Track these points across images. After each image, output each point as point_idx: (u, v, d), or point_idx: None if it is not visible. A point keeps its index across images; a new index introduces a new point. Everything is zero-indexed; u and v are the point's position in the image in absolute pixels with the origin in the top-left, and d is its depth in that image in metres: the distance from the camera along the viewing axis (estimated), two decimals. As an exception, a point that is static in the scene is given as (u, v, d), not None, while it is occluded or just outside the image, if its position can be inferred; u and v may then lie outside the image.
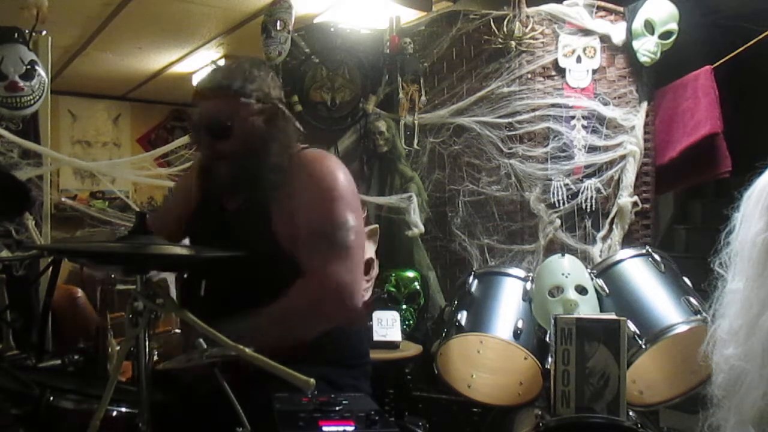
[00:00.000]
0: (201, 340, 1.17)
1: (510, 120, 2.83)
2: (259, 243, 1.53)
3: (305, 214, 1.53)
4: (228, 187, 1.62)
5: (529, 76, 2.84)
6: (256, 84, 1.59)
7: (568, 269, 2.27)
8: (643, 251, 2.36)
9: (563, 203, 2.77)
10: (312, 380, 1.07)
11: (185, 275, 1.72)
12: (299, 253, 1.52)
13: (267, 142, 1.59)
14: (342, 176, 1.58)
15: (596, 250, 2.74)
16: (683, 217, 4.70)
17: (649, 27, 2.72)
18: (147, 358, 1.18)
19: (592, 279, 2.30)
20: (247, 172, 1.58)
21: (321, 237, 1.50)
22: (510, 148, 2.83)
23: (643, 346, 2.03)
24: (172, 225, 1.79)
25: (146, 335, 1.16)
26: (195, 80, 5.04)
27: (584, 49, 2.81)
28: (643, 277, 2.27)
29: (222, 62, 4.65)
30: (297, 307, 1.47)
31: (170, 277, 2.12)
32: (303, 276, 1.50)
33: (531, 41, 2.83)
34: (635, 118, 2.79)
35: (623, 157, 2.77)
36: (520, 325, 2.23)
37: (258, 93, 1.59)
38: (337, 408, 1.19)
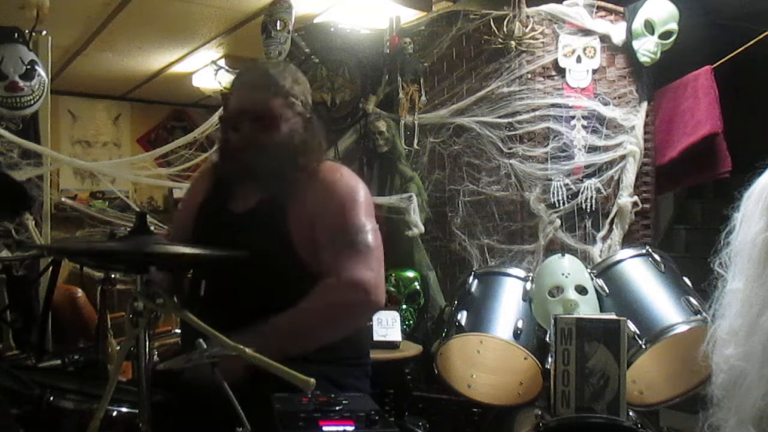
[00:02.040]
0: (201, 340, 1.17)
1: (510, 120, 2.82)
2: (269, 244, 1.53)
3: (324, 220, 1.57)
4: (252, 179, 1.64)
5: (529, 76, 2.83)
6: (300, 87, 1.68)
7: (568, 269, 2.27)
8: (643, 251, 2.36)
9: (563, 203, 2.77)
10: (312, 380, 1.08)
11: (187, 275, 1.72)
12: (320, 259, 1.55)
13: (300, 143, 1.65)
14: (357, 183, 1.66)
15: (596, 250, 2.73)
16: (683, 217, 4.69)
17: (649, 27, 2.71)
18: (147, 358, 1.18)
19: (592, 279, 2.30)
20: (276, 168, 1.61)
21: (340, 240, 1.54)
22: (510, 148, 2.83)
23: (643, 346, 2.03)
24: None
25: (146, 335, 1.17)
26: (195, 80, 5.07)
27: (584, 49, 2.80)
28: (643, 277, 2.27)
29: (222, 62, 4.64)
30: (316, 308, 1.49)
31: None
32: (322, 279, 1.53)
33: (531, 41, 2.83)
34: (635, 118, 2.79)
35: (623, 157, 2.77)
36: (520, 325, 2.23)
37: (301, 96, 1.68)
38: (337, 408, 1.19)
